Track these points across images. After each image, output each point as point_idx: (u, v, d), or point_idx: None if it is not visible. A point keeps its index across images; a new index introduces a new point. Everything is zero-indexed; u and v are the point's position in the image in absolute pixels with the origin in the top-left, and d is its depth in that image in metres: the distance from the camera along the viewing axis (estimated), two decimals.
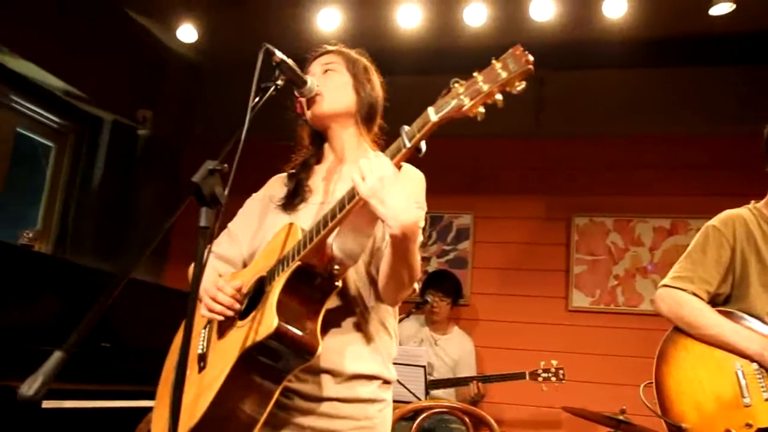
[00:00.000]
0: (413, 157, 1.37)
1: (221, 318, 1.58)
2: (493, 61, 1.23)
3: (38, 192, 4.86)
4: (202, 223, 1.21)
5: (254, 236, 1.78)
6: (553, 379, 4.06)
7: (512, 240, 4.88)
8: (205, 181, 1.21)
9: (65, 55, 4.44)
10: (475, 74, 1.25)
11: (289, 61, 1.61)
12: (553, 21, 4.14)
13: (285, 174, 1.88)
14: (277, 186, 1.87)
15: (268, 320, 1.42)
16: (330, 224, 1.43)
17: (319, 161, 1.85)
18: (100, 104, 4.94)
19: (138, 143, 5.32)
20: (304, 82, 1.68)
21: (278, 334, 1.41)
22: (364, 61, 1.86)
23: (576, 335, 4.60)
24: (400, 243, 1.41)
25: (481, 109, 1.24)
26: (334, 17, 4.31)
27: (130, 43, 4.99)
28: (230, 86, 3.67)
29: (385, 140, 1.85)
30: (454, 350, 4.45)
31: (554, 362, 4.10)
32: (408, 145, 1.32)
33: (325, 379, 1.59)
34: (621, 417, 3.34)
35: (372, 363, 1.64)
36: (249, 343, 1.45)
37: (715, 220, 2.35)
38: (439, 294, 4.43)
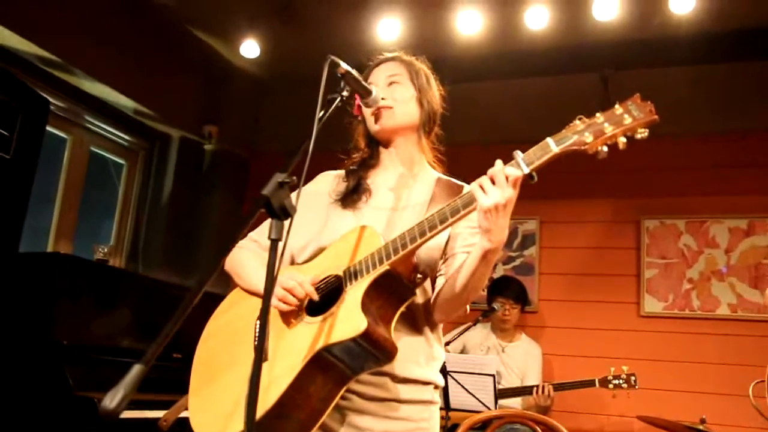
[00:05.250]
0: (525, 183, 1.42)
1: (289, 309, 1.57)
2: (616, 105, 1.31)
3: (111, 208, 5.03)
4: (273, 235, 1.21)
5: (308, 229, 1.75)
6: (625, 385, 3.90)
7: (579, 245, 4.78)
8: (275, 193, 1.22)
9: (134, 75, 4.59)
10: (597, 114, 1.33)
11: (354, 72, 1.61)
12: (617, 20, 4.04)
13: (338, 172, 1.88)
14: (331, 182, 1.87)
15: (355, 321, 1.43)
16: (438, 228, 1.46)
17: (376, 164, 1.85)
18: (168, 122, 5.09)
19: (204, 158, 5.45)
20: (369, 93, 1.69)
21: (365, 336, 1.41)
22: (426, 70, 1.87)
23: (649, 342, 4.46)
24: (491, 255, 1.47)
25: (604, 148, 1.31)
26: (394, 26, 4.31)
27: (195, 62, 5.13)
28: (294, 99, 3.72)
29: (444, 150, 1.87)
30: (522, 358, 4.37)
31: (625, 368, 3.95)
32: (526, 171, 1.37)
33: (385, 381, 1.60)
34: (701, 426, 3.22)
35: (429, 370, 1.68)
36: (330, 341, 1.44)
37: None
38: (510, 301, 4.35)
